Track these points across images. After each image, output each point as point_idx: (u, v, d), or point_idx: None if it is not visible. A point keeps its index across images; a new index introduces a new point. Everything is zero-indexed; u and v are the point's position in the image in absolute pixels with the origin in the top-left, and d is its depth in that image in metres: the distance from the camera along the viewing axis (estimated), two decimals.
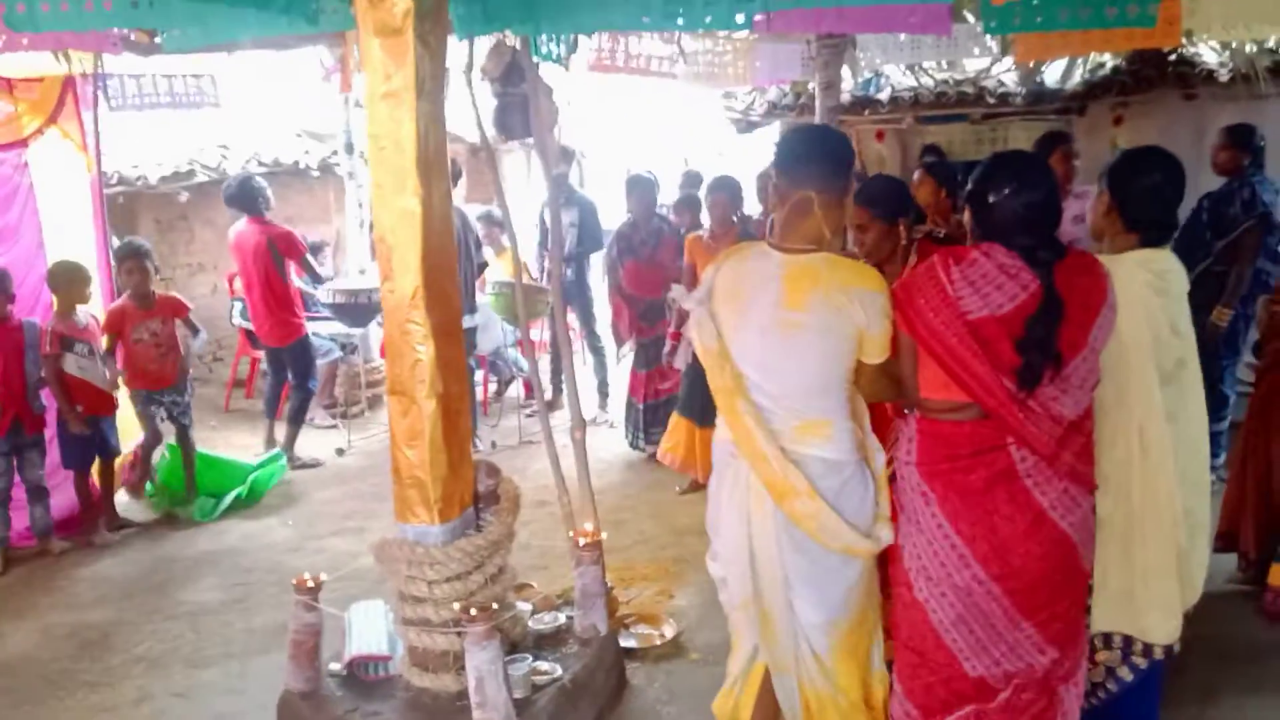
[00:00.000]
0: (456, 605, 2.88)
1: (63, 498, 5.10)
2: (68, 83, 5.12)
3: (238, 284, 7.52)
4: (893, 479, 2.54)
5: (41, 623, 4.16)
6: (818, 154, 2.49)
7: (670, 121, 12.25)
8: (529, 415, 7.20)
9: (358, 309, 6.73)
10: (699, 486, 5.16)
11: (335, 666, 3.19)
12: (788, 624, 2.49)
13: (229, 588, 4.48)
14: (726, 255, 2.59)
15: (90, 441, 4.99)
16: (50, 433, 5.01)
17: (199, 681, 3.63)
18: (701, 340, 2.49)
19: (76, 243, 5.22)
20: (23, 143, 5.01)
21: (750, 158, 8.94)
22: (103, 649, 3.92)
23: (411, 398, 2.97)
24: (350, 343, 7.47)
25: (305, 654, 3.06)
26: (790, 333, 2.38)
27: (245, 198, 6.11)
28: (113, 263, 5.35)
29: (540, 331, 8.05)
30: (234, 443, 6.84)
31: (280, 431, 6.48)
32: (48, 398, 4.93)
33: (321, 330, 7.13)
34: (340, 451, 6.61)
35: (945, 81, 7.42)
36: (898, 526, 2.49)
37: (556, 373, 7.58)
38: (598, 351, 7.29)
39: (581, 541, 3.32)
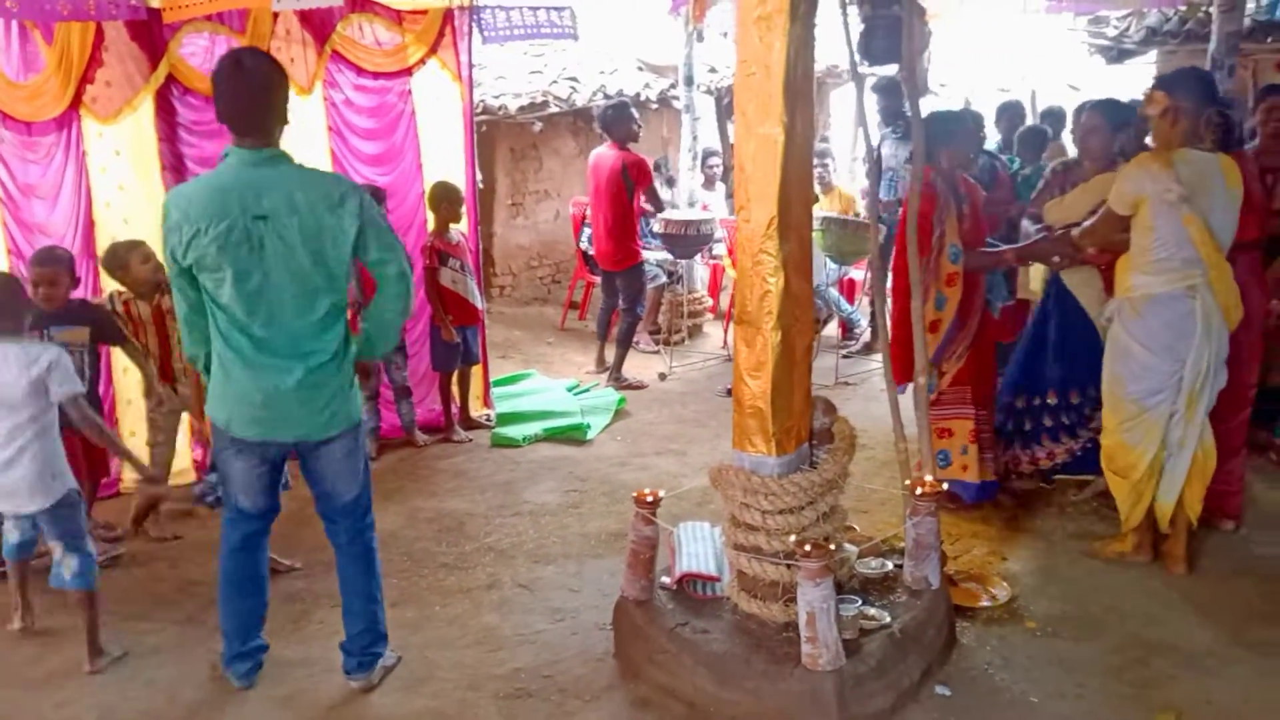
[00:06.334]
0: (791, 538, 2.88)
1: (429, 401, 5.70)
2: (447, 15, 5.53)
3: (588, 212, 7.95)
4: None
5: (408, 506, 4.67)
6: None
7: (1012, 51, 11.32)
8: (845, 356, 7.07)
9: (685, 240, 6.88)
10: None
11: (666, 580, 3.32)
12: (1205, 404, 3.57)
13: (565, 493, 4.80)
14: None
15: (456, 349, 5.51)
16: (411, 338, 5.57)
17: (540, 575, 3.93)
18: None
19: (448, 167, 5.68)
20: (408, 71, 5.49)
21: (1118, 92, 8.05)
22: (458, 535, 4.34)
23: (758, 328, 2.97)
24: (676, 272, 7.67)
25: (642, 564, 3.20)
26: None
27: (619, 123, 6.43)
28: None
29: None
30: (568, 359, 7.31)
31: (610, 352, 6.82)
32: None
33: (649, 258, 7.36)
34: (663, 376, 6.85)
35: None
36: None
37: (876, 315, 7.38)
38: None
39: (919, 490, 3.20)
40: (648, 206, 6.85)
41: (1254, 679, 3.08)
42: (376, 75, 5.32)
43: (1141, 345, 3.62)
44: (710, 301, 8.34)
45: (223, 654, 3.14)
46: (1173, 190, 3.43)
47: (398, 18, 5.36)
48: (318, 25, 5.01)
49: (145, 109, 4.53)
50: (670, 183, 8.21)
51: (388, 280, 2.97)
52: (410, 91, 5.51)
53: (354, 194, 2.89)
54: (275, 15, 4.78)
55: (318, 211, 2.79)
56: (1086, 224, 3.84)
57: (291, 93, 4.79)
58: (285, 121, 2.92)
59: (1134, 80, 7.42)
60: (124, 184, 4.54)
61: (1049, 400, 4.25)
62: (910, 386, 3.89)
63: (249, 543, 3.10)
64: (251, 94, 2.81)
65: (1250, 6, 6.12)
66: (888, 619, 3.06)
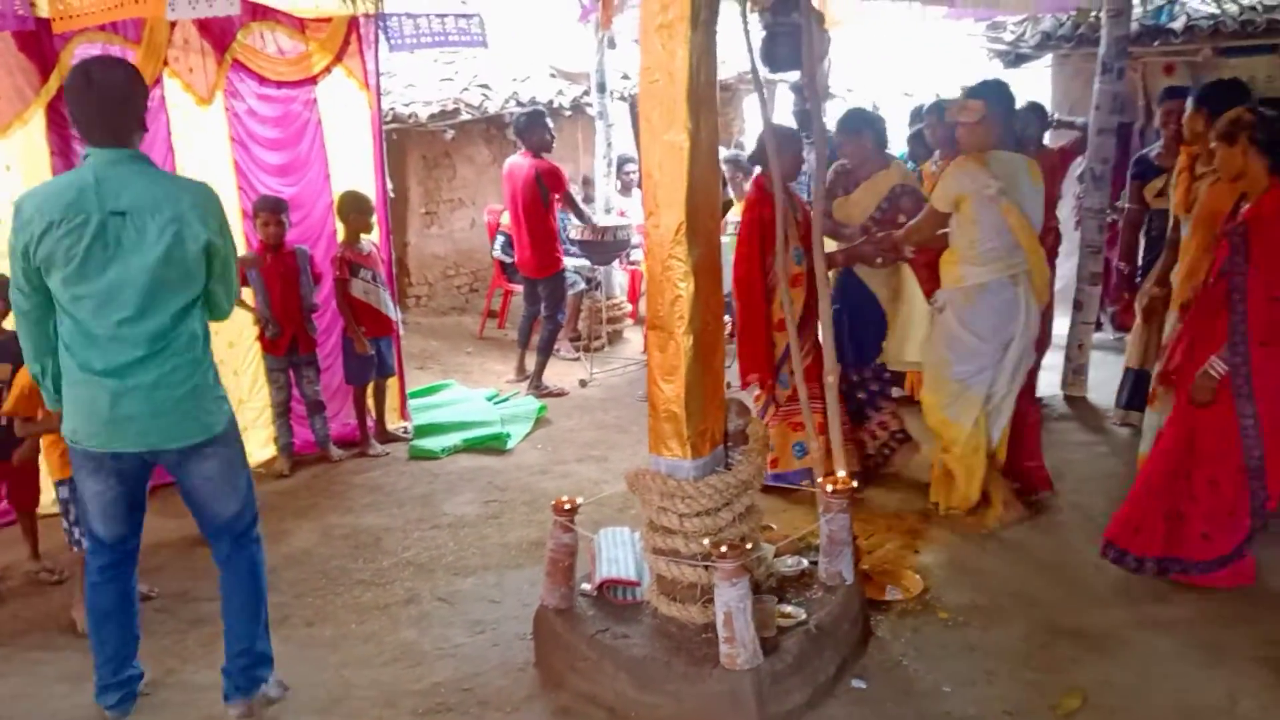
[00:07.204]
0: (706, 540, 2.91)
1: (344, 415, 5.60)
2: (352, 23, 5.44)
3: (501, 220, 7.91)
4: None
5: (322, 523, 4.58)
6: None
7: (915, 56, 11.61)
8: None
9: (603, 247, 6.91)
10: None
11: (586, 587, 3.32)
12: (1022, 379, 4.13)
13: (485, 504, 4.76)
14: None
15: (370, 361, 5.42)
16: (324, 352, 5.46)
17: (460, 589, 3.88)
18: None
19: (357, 176, 5.58)
20: (312, 80, 5.38)
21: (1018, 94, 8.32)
22: (375, 551, 4.27)
23: (670, 333, 2.99)
24: (594, 278, 7.68)
25: (561, 572, 3.20)
26: None
27: (533, 130, 6.40)
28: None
29: None
30: (488, 369, 7.26)
31: (530, 360, 6.79)
32: (318, 319, 5.36)
33: (567, 265, 7.35)
34: (584, 383, 6.84)
35: (1253, 8, 6.59)
36: None
37: None
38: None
39: (830, 488, 3.26)
40: (568, 213, 6.83)
41: (1150, 658, 3.21)
42: (280, 84, 5.21)
43: (972, 331, 4.03)
44: (629, 307, 8.36)
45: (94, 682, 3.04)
46: (991, 185, 3.86)
47: (300, 26, 5.26)
48: (217, 34, 4.88)
49: (36, 122, 4.35)
50: (586, 183, 8.23)
51: (213, 307, 2.93)
52: (315, 100, 5.41)
53: (214, 202, 2.83)
54: (172, 24, 4.65)
55: (180, 209, 2.72)
56: (909, 224, 4.27)
57: (191, 103, 4.84)
58: (143, 129, 2.86)
59: (1032, 83, 7.68)
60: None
61: (865, 373, 4.71)
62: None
63: (107, 574, 2.98)
64: (104, 105, 2.74)
65: (1137, 11, 6.38)
66: (804, 615, 3.10)
